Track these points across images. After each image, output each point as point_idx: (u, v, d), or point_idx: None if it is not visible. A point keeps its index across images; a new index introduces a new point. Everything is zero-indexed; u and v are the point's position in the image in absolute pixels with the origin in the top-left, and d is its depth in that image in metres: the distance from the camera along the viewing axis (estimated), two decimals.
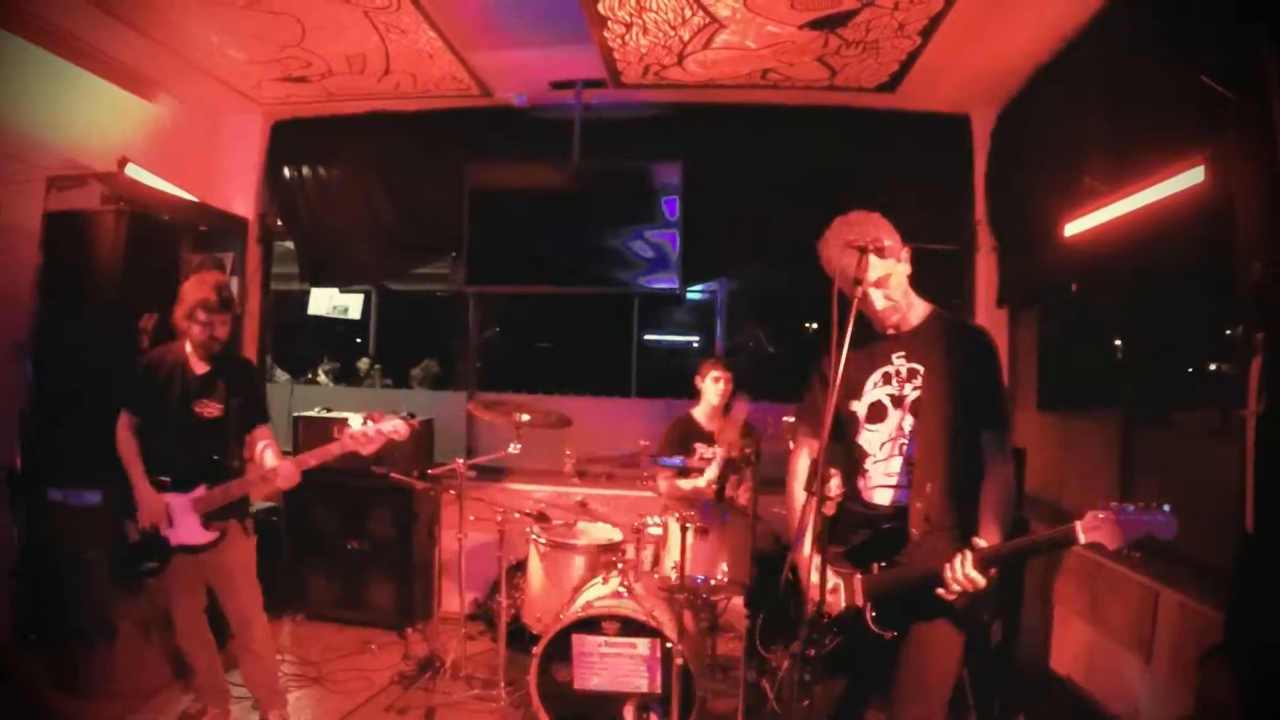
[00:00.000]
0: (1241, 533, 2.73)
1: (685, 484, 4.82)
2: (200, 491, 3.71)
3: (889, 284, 2.70)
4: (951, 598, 2.47)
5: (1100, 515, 2.25)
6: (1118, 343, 4.78)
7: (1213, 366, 4.27)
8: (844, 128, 5.66)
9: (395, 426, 3.81)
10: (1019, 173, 5.10)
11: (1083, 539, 2.27)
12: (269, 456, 3.82)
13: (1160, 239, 3.64)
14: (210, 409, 3.80)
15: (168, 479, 3.75)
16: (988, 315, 5.49)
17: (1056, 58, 4.59)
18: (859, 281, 2.57)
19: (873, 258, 2.61)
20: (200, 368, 3.85)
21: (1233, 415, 2.82)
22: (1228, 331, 2.98)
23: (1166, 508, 2.19)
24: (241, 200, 6.23)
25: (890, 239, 2.68)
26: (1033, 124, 4.95)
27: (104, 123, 5.19)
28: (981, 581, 2.41)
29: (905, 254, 2.74)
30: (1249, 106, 2.81)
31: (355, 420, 3.83)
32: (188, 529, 3.73)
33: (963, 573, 2.41)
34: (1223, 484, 2.92)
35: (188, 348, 3.85)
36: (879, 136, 5.62)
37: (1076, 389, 4.94)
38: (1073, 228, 4.21)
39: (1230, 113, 2.92)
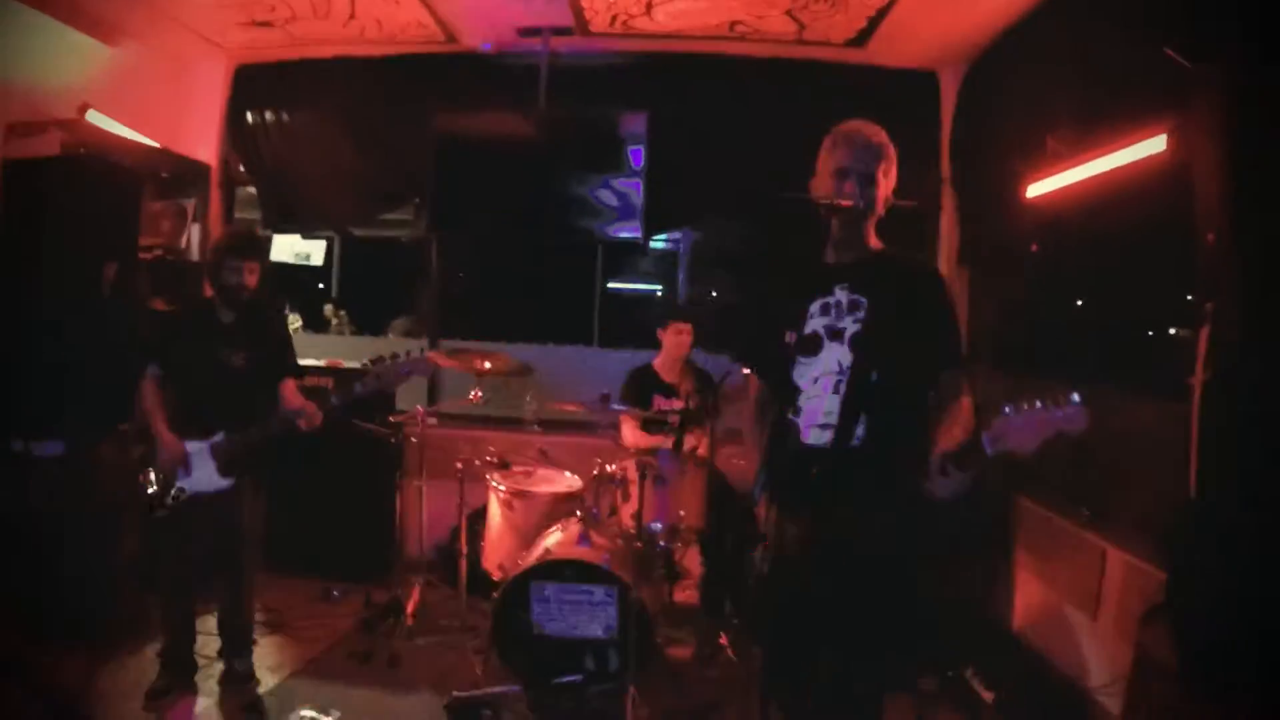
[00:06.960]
0: (1185, 497, 2.81)
1: (648, 437, 4.85)
2: (219, 438, 3.70)
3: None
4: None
5: (1006, 419, 2.08)
6: (1078, 304, 4.84)
7: (1172, 331, 4.34)
8: (812, 82, 5.61)
9: (413, 354, 3.81)
10: (984, 132, 5.09)
11: (990, 450, 2.11)
12: (289, 397, 3.86)
13: (1122, 204, 3.70)
14: (235, 357, 3.78)
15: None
16: (949, 274, 5.50)
17: (1026, 19, 4.56)
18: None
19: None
20: (226, 315, 3.83)
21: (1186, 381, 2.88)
22: (1188, 297, 3.03)
23: (1076, 397, 2.00)
24: (204, 146, 6.10)
25: None
26: (1000, 84, 4.94)
27: (65, 68, 5.04)
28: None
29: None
30: (1209, 78, 2.84)
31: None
32: (204, 476, 3.71)
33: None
34: (1176, 449, 2.97)
35: (215, 297, 3.84)
36: (847, 91, 5.55)
37: (1035, 351, 4.99)
38: (1035, 189, 4.25)
39: (1191, 83, 2.95)
